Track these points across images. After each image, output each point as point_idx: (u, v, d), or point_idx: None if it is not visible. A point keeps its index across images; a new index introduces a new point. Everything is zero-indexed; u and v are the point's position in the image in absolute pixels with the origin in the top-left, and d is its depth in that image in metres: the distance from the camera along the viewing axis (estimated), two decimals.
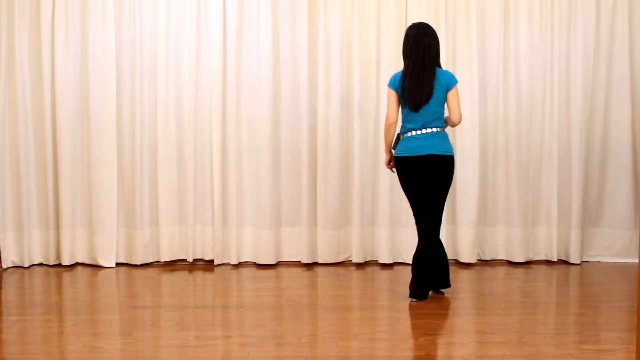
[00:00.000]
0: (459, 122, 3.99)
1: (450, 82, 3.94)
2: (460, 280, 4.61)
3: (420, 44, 3.95)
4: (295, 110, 5.04)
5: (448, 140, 3.99)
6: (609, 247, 5.21)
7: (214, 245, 5.05)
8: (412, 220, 5.01)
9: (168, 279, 4.63)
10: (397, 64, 5.03)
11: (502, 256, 5.17)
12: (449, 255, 5.12)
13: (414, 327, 3.49)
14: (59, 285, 4.51)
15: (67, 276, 4.74)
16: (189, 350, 3.13)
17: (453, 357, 3.06)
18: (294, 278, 4.67)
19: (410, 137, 3.94)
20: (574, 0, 5.04)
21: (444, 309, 3.88)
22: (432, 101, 3.90)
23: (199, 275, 4.76)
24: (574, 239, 5.09)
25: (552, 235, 5.11)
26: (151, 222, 5.05)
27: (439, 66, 4.01)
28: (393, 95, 3.99)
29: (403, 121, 4.01)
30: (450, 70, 5.07)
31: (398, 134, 4.04)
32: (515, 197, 5.09)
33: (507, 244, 5.14)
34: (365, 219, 5.09)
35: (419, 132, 3.92)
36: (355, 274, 4.83)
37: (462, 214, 5.06)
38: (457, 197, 5.07)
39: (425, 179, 3.92)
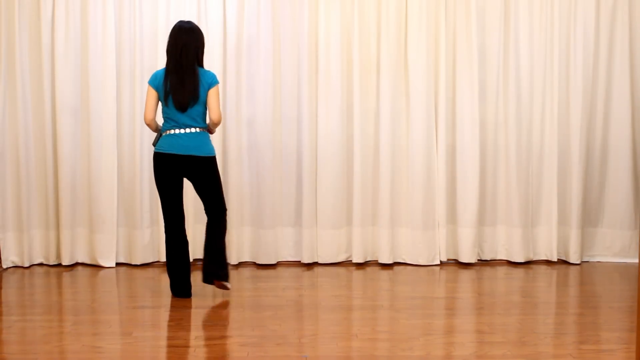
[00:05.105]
0: (219, 121, 4.00)
1: (212, 82, 3.97)
2: (460, 280, 4.61)
3: (179, 42, 3.94)
4: (295, 110, 5.03)
5: (210, 141, 4.05)
6: (609, 247, 5.21)
7: None
8: (412, 220, 5.05)
9: (168, 279, 4.62)
10: (397, 64, 5.04)
11: (502, 256, 5.17)
12: (449, 255, 5.14)
13: (414, 327, 3.49)
14: (59, 285, 4.51)
15: (67, 276, 4.74)
16: (189, 350, 3.13)
17: (453, 357, 3.06)
18: (294, 278, 4.67)
19: (173, 134, 3.95)
20: (574, 0, 5.05)
21: (444, 308, 3.88)
22: (199, 102, 3.95)
23: (199, 275, 4.74)
24: (574, 239, 5.09)
25: (552, 235, 5.11)
26: (151, 222, 5.05)
27: (201, 66, 4.02)
28: (152, 94, 3.99)
29: (165, 119, 4.01)
30: (451, 70, 5.08)
31: (160, 130, 4.05)
32: (515, 197, 5.09)
33: (507, 244, 5.14)
34: (365, 219, 5.09)
35: (182, 130, 3.94)
36: (355, 274, 4.83)
37: (462, 214, 5.06)
38: (457, 197, 5.08)
39: (192, 179, 4.03)
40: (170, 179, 3.99)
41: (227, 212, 4.20)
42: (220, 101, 4.04)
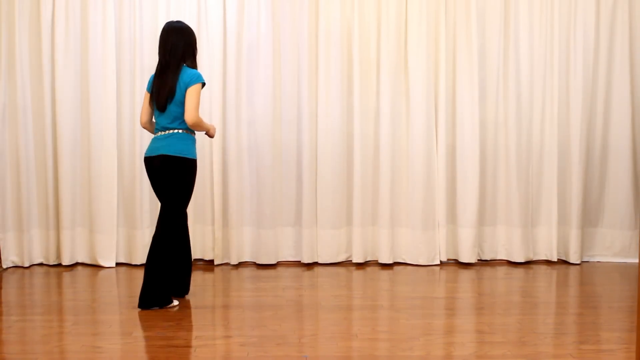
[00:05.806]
0: (193, 122, 3.74)
1: (191, 80, 3.76)
2: (460, 280, 4.61)
3: (168, 42, 3.85)
4: (295, 110, 5.04)
5: (189, 143, 3.83)
6: (609, 247, 5.22)
7: (214, 245, 5.05)
8: (412, 220, 5.06)
9: None
10: (397, 64, 5.04)
11: (502, 256, 5.18)
12: (449, 255, 5.15)
13: (414, 327, 3.49)
14: (59, 285, 4.51)
15: (67, 276, 4.74)
16: (189, 350, 3.13)
17: (453, 357, 3.06)
18: (294, 278, 4.67)
19: (154, 137, 3.88)
20: (574, 0, 5.05)
21: (444, 308, 3.88)
22: (175, 101, 3.78)
23: (199, 275, 4.75)
24: (574, 239, 5.09)
25: (552, 235, 5.12)
26: (151, 222, 5.05)
27: (191, 65, 3.88)
28: (146, 97, 3.96)
29: (155, 122, 3.95)
30: (451, 71, 5.08)
31: None
32: (515, 197, 5.09)
33: (507, 244, 5.15)
34: (365, 219, 5.10)
35: (161, 133, 3.84)
36: (355, 274, 4.83)
37: (462, 214, 5.06)
38: (457, 197, 5.08)
39: (159, 179, 3.83)
40: (154, 182, 3.89)
41: (176, 224, 3.86)
42: (199, 102, 3.74)
